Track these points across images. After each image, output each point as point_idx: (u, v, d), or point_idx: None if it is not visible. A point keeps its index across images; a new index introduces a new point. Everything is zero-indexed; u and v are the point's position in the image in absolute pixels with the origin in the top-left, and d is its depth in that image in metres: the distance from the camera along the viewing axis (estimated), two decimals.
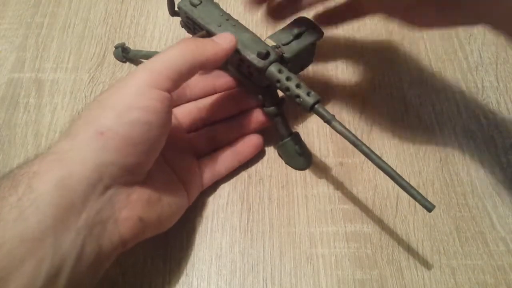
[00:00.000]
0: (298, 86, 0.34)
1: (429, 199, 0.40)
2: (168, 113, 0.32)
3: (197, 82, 0.41)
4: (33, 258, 0.24)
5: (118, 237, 0.29)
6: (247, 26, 0.38)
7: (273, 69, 0.35)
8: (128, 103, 0.29)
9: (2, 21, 0.51)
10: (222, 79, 0.41)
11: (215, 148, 0.40)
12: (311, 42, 0.38)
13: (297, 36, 0.38)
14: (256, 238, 0.38)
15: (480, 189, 0.40)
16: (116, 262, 0.36)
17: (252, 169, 0.41)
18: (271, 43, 0.38)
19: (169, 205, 0.34)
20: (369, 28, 0.50)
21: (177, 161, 0.37)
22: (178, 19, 0.41)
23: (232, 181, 0.41)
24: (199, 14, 0.38)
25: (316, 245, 0.37)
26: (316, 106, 0.34)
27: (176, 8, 0.40)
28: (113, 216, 0.29)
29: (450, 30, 0.50)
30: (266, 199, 0.40)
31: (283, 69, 0.35)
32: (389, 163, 0.41)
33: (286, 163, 0.41)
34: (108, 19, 0.51)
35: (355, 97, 0.45)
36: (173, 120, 0.36)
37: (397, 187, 0.40)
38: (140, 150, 0.29)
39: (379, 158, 0.32)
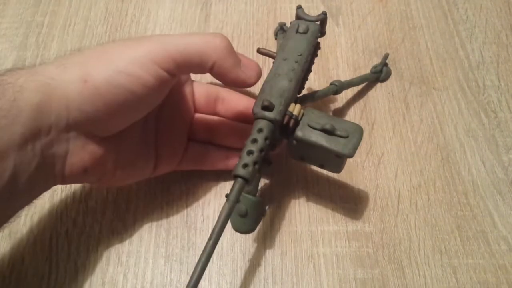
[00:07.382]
0: (249, 152, 0.30)
1: (430, 198, 0.40)
2: (160, 92, 0.31)
3: (236, 103, 0.38)
4: None
5: (60, 176, 0.30)
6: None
7: (258, 122, 0.32)
8: (122, 66, 0.29)
9: (2, 20, 0.51)
10: None
11: (210, 141, 0.39)
12: (333, 151, 0.32)
13: (327, 132, 0.32)
14: (257, 237, 0.38)
15: (482, 188, 0.40)
16: (118, 261, 0.37)
17: None
18: (297, 109, 0.33)
19: (124, 168, 0.34)
20: (370, 26, 0.50)
21: (166, 130, 0.36)
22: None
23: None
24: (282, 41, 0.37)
25: (317, 244, 0.37)
26: (236, 178, 0.30)
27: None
28: (64, 156, 0.30)
29: (450, 29, 0.50)
30: (267, 198, 0.40)
31: (265, 131, 0.31)
32: (391, 162, 0.42)
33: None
34: (109, 18, 0.51)
35: (356, 95, 0.45)
36: (187, 94, 0.37)
37: (398, 186, 0.40)
38: (113, 112, 0.30)
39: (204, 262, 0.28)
